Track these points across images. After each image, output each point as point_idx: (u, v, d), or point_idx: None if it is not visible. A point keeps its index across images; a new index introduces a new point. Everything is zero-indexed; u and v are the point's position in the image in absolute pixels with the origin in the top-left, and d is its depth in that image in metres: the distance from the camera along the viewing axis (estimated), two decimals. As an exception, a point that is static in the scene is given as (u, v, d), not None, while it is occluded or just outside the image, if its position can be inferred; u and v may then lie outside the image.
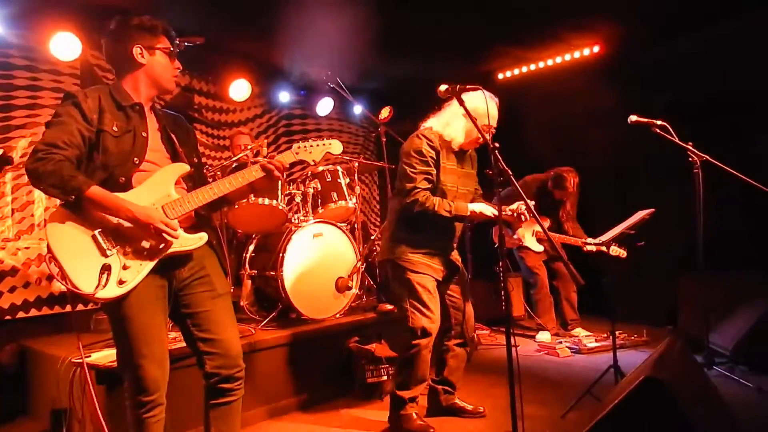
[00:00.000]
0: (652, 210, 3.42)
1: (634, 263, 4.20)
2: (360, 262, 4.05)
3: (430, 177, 2.86)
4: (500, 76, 6.14)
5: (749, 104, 4.57)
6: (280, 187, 3.94)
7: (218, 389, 2.14)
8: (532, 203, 2.56)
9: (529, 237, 4.96)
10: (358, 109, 6.23)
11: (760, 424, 2.86)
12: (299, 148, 2.36)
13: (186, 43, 3.56)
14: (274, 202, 3.89)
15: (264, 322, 3.70)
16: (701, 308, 3.84)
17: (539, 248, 4.96)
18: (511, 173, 2.36)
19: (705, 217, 3.58)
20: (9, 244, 3.95)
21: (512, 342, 2.26)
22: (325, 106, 6.09)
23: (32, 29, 4.01)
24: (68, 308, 4.09)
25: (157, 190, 2.06)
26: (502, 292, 2.42)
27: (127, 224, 1.96)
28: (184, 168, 2.15)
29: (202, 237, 2.11)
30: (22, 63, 4.09)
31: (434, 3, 4.35)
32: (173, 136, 2.21)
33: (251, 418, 3.13)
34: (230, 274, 2.40)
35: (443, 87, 2.53)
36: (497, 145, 2.39)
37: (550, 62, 5.76)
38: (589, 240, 4.40)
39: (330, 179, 4.28)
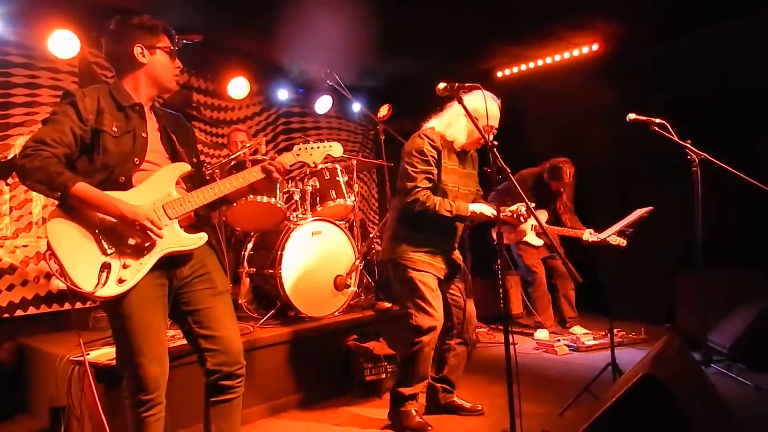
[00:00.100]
0: (651, 208, 3.42)
1: (633, 261, 4.20)
2: (358, 260, 4.05)
3: (431, 176, 2.86)
4: (499, 74, 6.14)
5: (749, 103, 4.57)
6: (278, 185, 3.94)
7: (219, 386, 2.14)
8: (533, 205, 2.56)
9: (528, 231, 4.96)
10: (356, 107, 6.22)
11: (757, 422, 2.87)
12: (300, 149, 2.37)
13: (184, 41, 3.54)
14: (273, 200, 3.89)
15: (262, 320, 3.70)
16: (699, 306, 3.85)
17: (539, 242, 4.96)
18: (509, 171, 2.37)
19: (704, 215, 3.59)
20: (7, 242, 3.95)
21: (510, 340, 2.26)
22: (323, 104, 6.08)
23: (30, 27, 4.00)
24: (66, 306, 4.09)
25: (157, 190, 2.06)
26: (501, 290, 2.42)
27: (115, 220, 1.96)
28: (184, 168, 2.14)
29: (202, 237, 2.11)
30: (20, 61, 4.08)
31: (433, 1, 4.35)
32: (173, 136, 2.21)
33: (250, 415, 3.14)
34: (229, 273, 2.41)
35: (442, 85, 2.52)
36: (496, 143, 2.39)
37: (549, 60, 5.76)
38: (588, 231, 4.43)
39: (329, 177, 4.27)
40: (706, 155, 3.51)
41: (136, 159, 2.06)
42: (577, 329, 4.86)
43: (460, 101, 2.50)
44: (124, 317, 1.97)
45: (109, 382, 2.61)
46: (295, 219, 4.06)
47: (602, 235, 3.63)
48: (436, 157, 2.88)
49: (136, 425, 2.01)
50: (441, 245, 2.97)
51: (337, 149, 2.41)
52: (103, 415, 2.18)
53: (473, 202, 3.01)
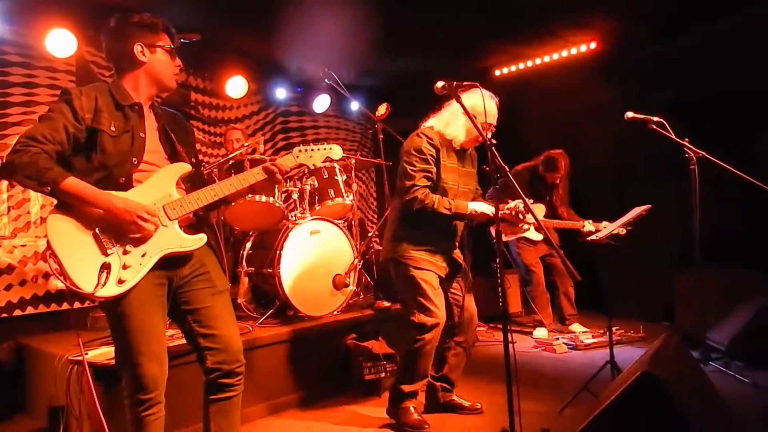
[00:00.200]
0: (649, 206, 3.43)
1: (631, 259, 4.21)
2: (357, 260, 4.05)
3: (429, 175, 2.87)
4: (497, 72, 6.14)
5: (748, 102, 4.58)
6: (277, 185, 3.94)
7: (219, 384, 2.14)
8: (530, 202, 2.57)
9: (527, 226, 4.95)
10: (355, 106, 6.22)
11: (755, 419, 2.88)
12: (300, 151, 2.38)
13: (182, 40, 3.54)
14: (271, 199, 3.89)
15: (261, 320, 3.70)
16: (698, 304, 3.86)
17: (538, 237, 4.96)
18: (508, 170, 2.37)
19: (702, 213, 3.60)
20: (5, 241, 3.94)
21: (509, 339, 2.27)
22: (322, 103, 6.08)
23: (28, 26, 3.99)
24: (65, 306, 4.08)
25: (158, 190, 2.06)
26: (500, 289, 2.42)
27: (107, 215, 1.95)
28: (185, 168, 2.14)
29: (201, 238, 2.11)
30: (17, 60, 4.07)
31: (432, 0, 4.34)
32: (172, 135, 2.20)
33: (250, 414, 3.14)
34: (228, 272, 2.41)
35: (440, 84, 2.53)
36: (494, 141, 2.39)
37: (547, 59, 5.76)
38: (588, 221, 4.44)
39: (327, 176, 4.27)
40: (704, 153, 3.51)
41: (134, 159, 2.05)
42: (576, 327, 4.87)
43: (458, 100, 2.50)
44: (123, 317, 1.97)
45: (108, 382, 2.61)
46: (293, 218, 4.06)
47: (601, 234, 3.63)
48: (434, 155, 2.88)
49: (135, 424, 2.01)
50: (441, 244, 2.98)
51: (336, 151, 2.42)
52: (101, 415, 2.18)
53: (473, 200, 3.01)
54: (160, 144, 2.17)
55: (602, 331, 4.60)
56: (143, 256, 2.00)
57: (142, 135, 2.10)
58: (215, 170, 3.89)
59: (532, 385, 3.50)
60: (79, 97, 2.00)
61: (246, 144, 3.89)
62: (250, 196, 3.73)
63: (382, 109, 4.64)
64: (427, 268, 2.91)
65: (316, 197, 4.23)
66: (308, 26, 4.56)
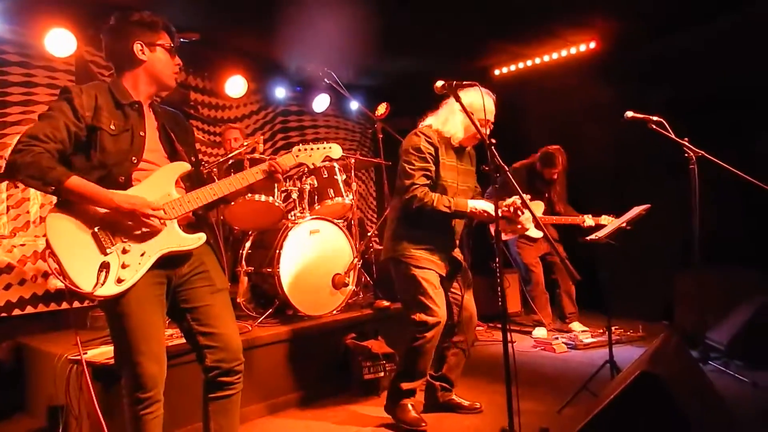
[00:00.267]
0: (648, 206, 3.43)
1: (631, 259, 4.21)
2: (357, 259, 4.05)
3: (428, 173, 2.87)
4: (497, 72, 6.14)
5: (748, 100, 4.57)
6: (276, 185, 3.93)
7: (218, 383, 2.14)
8: (527, 197, 2.56)
9: (529, 223, 4.94)
10: (354, 106, 6.22)
11: (755, 418, 2.88)
12: (299, 151, 2.38)
13: (182, 40, 3.54)
14: (271, 198, 3.89)
15: (261, 319, 3.70)
16: (697, 304, 3.86)
17: (538, 234, 4.94)
18: (507, 169, 2.37)
19: (702, 213, 3.60)
20: (4, 241, 3.94)
21: (509, 338, 2.27)
22: (321, 102, 6.08)
23: (27, 25, 3.99)
24: (64, 305, 4.08)
25: (157, 189, 2.06)
26: (499, 289, 2.42)
27: (113, 215, 1.95)
28: (184, 167, 2.14)
29: (200, 237, 2.11)
30: (16, 59, 4.07)
31: (432, 0, 4.34)
32: (172, 134, 2.20)
33: (249, 414, 3.14)
34: (227, 271, 2.42)
35: (440, 83, 2.55)
36: (494, 141, 2.39)
37: (546, 58, 5.76)
38: (588, 216, 4.45)
39: (326, 176, 4.27)
40: (703, 153, 3.51)
41: (133, 158, 2.05)
42: (576, 326, 4.87)
43: (457, 98, 2.51)
44: (122, 316, 1.97)
45: (107, 381, 2.61)
46: (293, 218, 4.06)
47: (600, 233, 3.63)
48: (433, 153, 2.88)
49: (134, 423, 2.01)
50: (441, 243, 2.98)
51: (336, 150, 2.42)
52: (100, 414, 2.18)
53: (472, 198, 3.01)
54: (160, 143, 2.17)
55: (601, 331, 4.60)
56: (142, 255, 2.00)
57: (141, 133, 2.10)
58: (215, 169, 3.89)
59: (532, 384, 3.50)
60: (79, 96, 2.00)
61: (245, 143, 3.89)
62: (249, 195, 3.74)
63: (381, 109, 4.64)
64: (428, 267, 2.91)
65: (316, 197, 4.23)
66: (308, 26, 4.56)
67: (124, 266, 1.95)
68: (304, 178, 4.21)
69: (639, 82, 5.12)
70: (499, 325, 2.81)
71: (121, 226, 1.98)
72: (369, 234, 4.56)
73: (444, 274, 2.98)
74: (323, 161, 2.43)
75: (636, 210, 3.45)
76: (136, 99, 2.12)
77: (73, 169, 1.95)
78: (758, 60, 4.43)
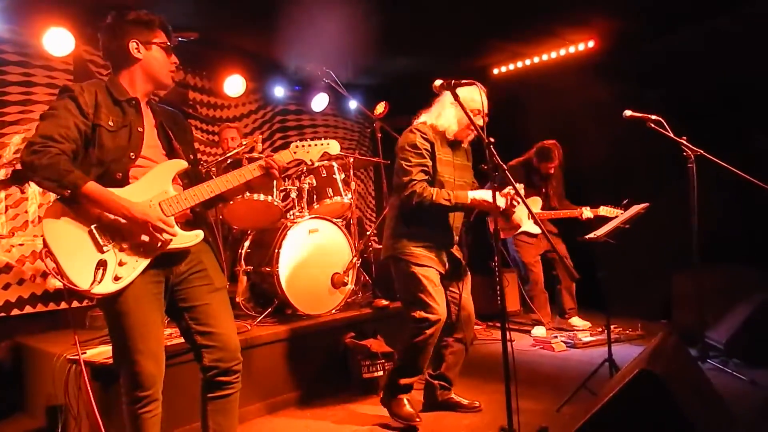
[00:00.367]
0: (647, 204, 3.43)
1: (630, 257, 4.21)
2: (356, 258, 4.05)
3: (426, 168, 2.87)
4: (495, 71, 6.13)
5: (747, 100, 4.57)
6: (275, 183, 3.94)
7: (216, 382, 2.14)
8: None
9: (525, 220, 4.95)
10: (353, 105, 6.22)
11: (754, 417, 2.88)
12: (297, 147, 2.37)
13: (180, 39, 3.54)
14: (270, 198, 3.89)
15: (260, 318, 3.70)
16: (696, 302, 3.86)
17: (537, 230, 4.95)
18: (506, 168, 2.37)
19: (700, 211, 3.60)
20: (3, 240, 3.93)
21: (507, 337, 2.27)
22: (320, 101, 6.08)
23: (25, 24, 3.99)
24: (63, 305, 4.08)
25: (154, 187, 2.06)
26: (498, 288, 2.42)
27: (123, 221, 1.96)
28: (181, 165, 2.14)
29: (198, 234, 2.11)
30: (14, 59, 4.06)
31: (430, -1, 4.35)
32: (170, 132, 2.20)
33: (248, 413, 3.14)
34: (226, 271, 2.41)
35: (438, 82, 2.56)
36: (492, 140, 2.39)
37: (545, 57, 5.76)
38: (586, 208, 4.46)
39: (325, 175, 4.27)
40: (701, 152, 3.52)
41: (131, 154, 2.05)
42: (576, 321, 4.88)
43: (455, 95, 2.52)
44: (120, 315, 1.97)
45: (106, 381, 2.61)
46: (292, 217, 4.06)
47: (599, 232, 3.63)
48: (429, 149, 2.89)
49: (132, 422, 2.01)
50: (441, 239, 2.97)
51: (334, 147, 2.42)
52: (97, 413, 2.18)
53: None
54: (158, 140, 2.17)
55: (600, 329, 4.60)
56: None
57: (140, 129, 2.10)
58: (213, 169, 3.89)
59: (531, 383, 3.50)
60: (81, 94, 2.01)
61: (244, 142, 3.89)
62: (248, 194, 3.74)
63: (380, 108, 4.64)
64: (428, 265, 2.91)
65: (315, 196, 4.23)
66: (307, 25, 4.56)
67: (121, 264, 1.95)
68: (303, 178, 4.21)
69: (638, 81, 5.12)
70: (498, 324, 2.82)
71: (120, 225, 1.97)
72: (368, 233, 4.56)
73: (443, 272, 2.98)
74: (321, 158, 2.43)
75: (635, 209, 3.45)
76: (133, 96, 2.12)
77: (75, 166, 1.95)
78: (758, 59, 4.43)
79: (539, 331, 4.84)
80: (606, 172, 5.55)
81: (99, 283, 1.89)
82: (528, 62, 5.90)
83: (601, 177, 5.53)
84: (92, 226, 1.95)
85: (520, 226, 4.95)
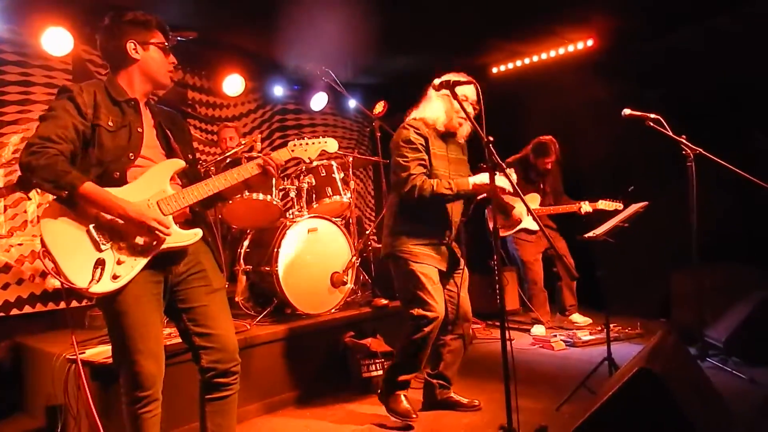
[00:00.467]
0: (646, 203, 3.43)
1: (629, 256, 4.21)
2: (355, 257, 4.05)
3: (423, 162, 2.87)
4: (494, 70, 6.12)
5: (747, 99, 4.57)
6: (274, 183, 3.94)
7: (214, 384, 2.14)
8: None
9: (524, 216, 4.94)
10: (352, 104, 6.22)
11: (753, 415, 2.88)
12: (295, 145, 2.37)
13: (178, 38, 3.54)
14: (269, 197, 3.88)
15: (259, 318, 3.70)
16: (695, 301, 3.86)
17: (536, 226, 4.94)
18: (505, 167, 2.37)
19: (699, 210, 3.60)
20: (2, 240, 3.93)
21: (507, 336, 2.27)
22: (319, 100, 6.08)
23: (24, 24, 3.98)
24: (62, 305, 4.08)
25: (152, 186, 2.06)
26: (497, 287, 2.42)
27: (121, 221, 1.96)
28: (179, 164, 2.14)
29: (196, 233, 2.11)
30: (13, 58, 4.06)
31: (428, -3, 4.35)
32: (168, 132, 2.20)
33: (247, 413, 3.14)
34: (225, 270, 2.41)
35: (437, 81, 2.56)
36: (491, 138, 2.39)
37: (544, 56, 5.75)
38: (584, 202, 4.47)
39: (324, 174, 4.27)
40: (700, 150, 3.52)
41: (131, 154, 2.05)
42: (577, 317, 4.88)
43: (454, 94, 2.52)
44: (119, 315, 1.97)
45: (105, 381, 2.61)
46: (291, 216, 4.06)
47: (597, 231, 3.63)
48: (424, 143, 2.89)
49: (132, 422, 2.01)
50: (440, 235, 2.97)
51: (332, 145, 2.42)
52: (96, 413, 2.18)
53: None
54: (157, 140, 2.17)
55: (600, 328, 4.60)
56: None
57: (139, 130, 2.10)
58: (212, 168, 3.88)
59: (530, 382, 3.50)
60: (80, 94, 2.01)
61: (243, 142, 3.89)
62: (247, 193, 3.74)
63: (379, 107, 4.64)
64: (427, 262, 2.91)
65: (314, 195, 4.23)
66: (306, 24, 4.56)
67: (119, 263, 1.95)
68: (302, 177, 4.21)
69: (637, 80, 5.11)
70: (498, 323, 2.82)
71: (117, 224, 1.97)
72: (367, 232, 4.56)
73: (443, 269, 2.98)
74: (320, 156, 2.43)
75: (634, 207, 3.45)
76: (132, 96, 2.12)
77: (73, 167, 1.95)
78: (757, 58, 4.43)
79: (539, 330, 4.84)
80: (605, 171, 5.55)
81: (97, 282, 1.89)
82: (527, 61, 5.89)
83: (600, 176, 5.53)
84: (90, 226, 1.95)
85: (520, 221, 4.94)
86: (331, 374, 3.60)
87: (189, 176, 2.24)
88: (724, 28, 4.71)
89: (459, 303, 3.08)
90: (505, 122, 3.19)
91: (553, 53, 5.67)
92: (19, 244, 4.00)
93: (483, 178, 2.83)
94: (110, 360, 2.20)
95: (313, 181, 4.21)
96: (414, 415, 2.94)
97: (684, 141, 3.56)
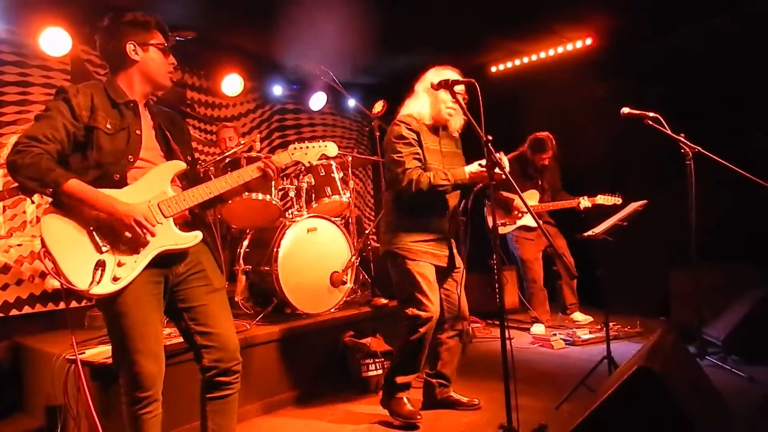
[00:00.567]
0: (645, 202, 3.43)
1: (628, 255, 4.21)
2: (354, 257, 4.05)
3: (418, 156, 2.87)
4: (493, 69, 6.13)
5: (746, 98, 4.57)
6: (273, 183, 3.94)
7: (215, 383, 2.14)
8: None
9: (524, 209, 4.94)
10: (351, 103, 6.22)
11: (752, 413, 2.88)
12: (295, 149, 2.38)
13: (177, 38, 3.54)
14: (268, 197, 3.88)
15: (259, 318, 3.70)
16: (694, 299, 3.86)
17: (535, 223, 4.94)
18: (504, 166, 2.38)
19: (699, 209, 3.60)
20: (1, 241, 3.93)
21: (506, 335, 2.27)
22: (318, 100, 6.08)
23: (22, 24, 3.98)
24: (62, 305, 4.08)
25: (152, 188, 2.06)
26: (497, 286, 2.42)
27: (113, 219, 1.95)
28: (180, 166, 2.14)
29: (197, 235, 2.11)
30: (11, 59, 4.06)
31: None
32: (168, 133, 2.20)
33: (246, 413, 3.14)
34: (225, 270, 2.41)
35: (436, 80, 2.57)
36: (490, 137, 2.39)
37: (543, 55, 5.76)
38: (583, 198, 4.47)
39: (324, 174, 4.27)
40: (699, 149, 3.52)
41: (130, 156, 2.05)
42: (578, 316, 4.89)
43: (452, 93, 2.53)
44: (119, 315, 1.97)
45: (105, 381, 2.61)
46: (290, 216, 4.06)
47: (597, 230, 3.63)
48: (416, 138, 2.89)
49: (132, 423, 2.01)
50: (438, 230, 2.96)
51: (332, 149, 2.43)
52: (95, 413, 2.18)
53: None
54: (156, 142, 2.17)
55: (599, 327, 4.61)
56: (138, 253, 1.99)
57: (138, 132, 2.09)
58: (212, 168, 3.89)
59: (530, 381, 3.51)
60: (76, 96, 2.00)
61: (242, 142, 3.89)
62: (246, 194, 3.74)
63: (378, 106, 4.64)
64: (424, 260, 2.91)
65: (313, 195, 4.23)
66: (305, 24, 4.56)
67: (119, 264, 1.95)
68: (301, 176, 4.21)
69: (637, 79, 5.11)
70: (497, 322, 2.82)
71: (116, 225, 1.97)
72: (366, 231, 4.56)
73: (442, 265, 2.98)
74: (319, 159, 2.43)
75: (633, 206, 3.45)
76: (131, 98, 2.12)
77: (69, 169, 1.95)
78: (757, 59, 4.43)
79: (538, 328, 4.85)
80: (604, 170, 5.55)
81: (98, 283, 1.89)
82: (526, 60, 5.90)
83: (599, 174, 5.53)
84: (91, 227, 1.95)
85: (522, 215, 4.94)
86: (330, 374, 3.60)
87: (189, 177, 2.24)
88: (724, 27, 4.71)
89: (455, 301, 3.08)
90: (504, 121, 3.19)
91: (552, 52, 5.68)
92: (19, 245, 4.00)
93: (477, 166, 2.81)
94: (110, 360, 2.20)
95: (313, 180, 4.21)
96: (418, 416, 2.93)
97: (683, 139, 3.56)
